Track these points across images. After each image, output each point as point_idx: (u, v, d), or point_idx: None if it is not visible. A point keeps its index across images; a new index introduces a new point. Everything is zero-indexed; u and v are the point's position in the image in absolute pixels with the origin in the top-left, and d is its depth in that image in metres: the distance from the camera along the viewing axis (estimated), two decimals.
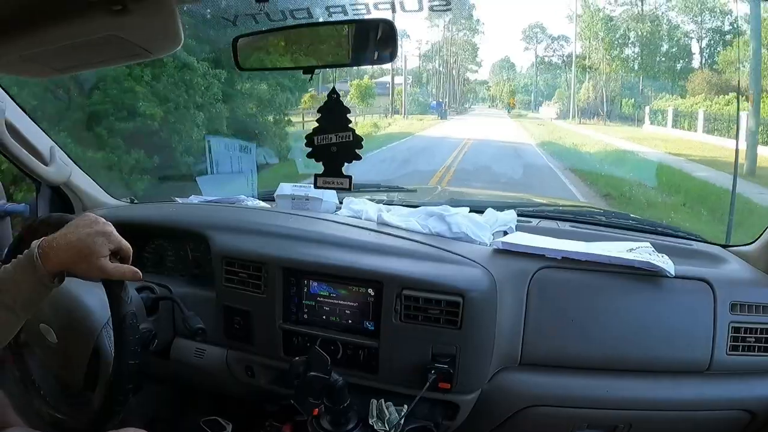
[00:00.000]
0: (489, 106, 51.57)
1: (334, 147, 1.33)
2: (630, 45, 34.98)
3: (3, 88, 1.80)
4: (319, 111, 1.34)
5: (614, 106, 32.77)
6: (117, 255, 1.31)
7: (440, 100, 46.35)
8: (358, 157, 1.33)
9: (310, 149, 1.35)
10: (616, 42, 34.84)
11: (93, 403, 1.51)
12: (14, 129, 1.85)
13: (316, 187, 1.37)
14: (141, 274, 1.32)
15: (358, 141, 1.32)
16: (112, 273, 1.27)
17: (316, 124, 1.34)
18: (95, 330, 1.54)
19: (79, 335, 1.54)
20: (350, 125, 1.33)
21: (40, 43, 1.31)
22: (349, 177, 1.33)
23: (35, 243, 1.24)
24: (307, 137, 1.35)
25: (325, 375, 1.40)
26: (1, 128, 1.72)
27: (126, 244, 1.32)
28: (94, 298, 1.59)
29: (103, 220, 1.31)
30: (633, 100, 31.51)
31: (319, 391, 1.41)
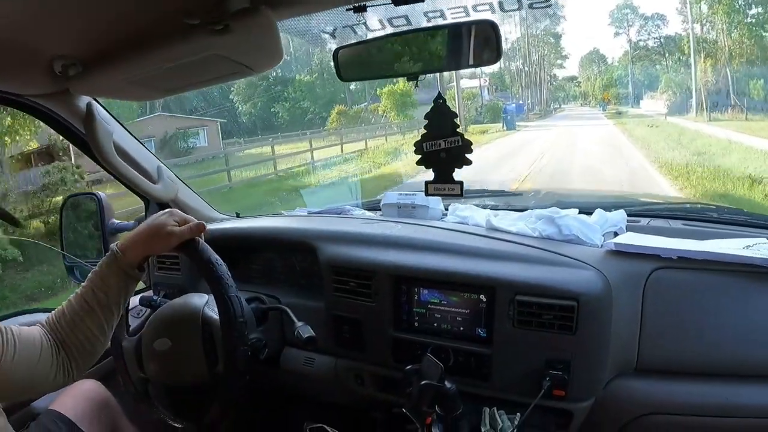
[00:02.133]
0: (581, 104, 45.84)
1: (443, 153, 1.34)
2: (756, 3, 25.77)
3: (110, 113, 1.89)
4: (426, 117, 1.35)
5: (744, 89, 23.94)
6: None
7: (520, 102, 40.35)
8: (468, 162, 1.33)
9: (419, 157, 1.36)
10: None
11: (219, 371, 1.60)
12: (122, 151, 1.95)
13: (427, 194, 1.38)
14: (205, 224, 1.48)
15: (467, 145, 1.33)
16: (183, 233, 1.44)
17: (425, 131, 1.35)
18: (198, 309, 1.65)
19: (188, 323, 1.63)
20: (458, 130, 1.33)
21: (145, 66, 1.38)
22: (460, 183, 1.34)
23: (113, 244, 1.40)
24: (415, 144, 1.36)
25: (439, 383, 1.38)
26: (110, 150, 1.80)
27: (191, 217, 1.48)
28: (190, 294, 1.75)
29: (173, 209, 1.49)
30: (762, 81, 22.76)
31: (432, 399, 1.40)
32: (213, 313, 1.60)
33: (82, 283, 1.38)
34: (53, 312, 1.36)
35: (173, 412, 1.70)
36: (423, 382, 1.37)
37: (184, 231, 1.43)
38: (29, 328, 1.29)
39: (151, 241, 1.41)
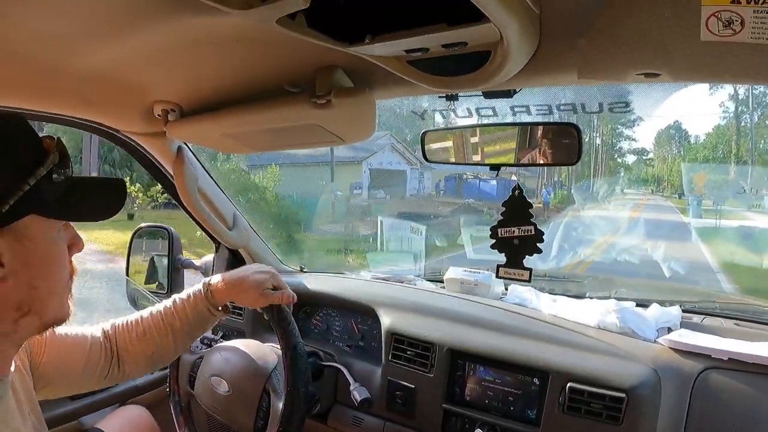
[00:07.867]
0: (652, 192, 32.26)
1: (516, 240, 1.40)
2: None
3: (197, 158, 1.99)
4: (503, 205, 1.42)
5: None
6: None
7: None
8: (540, 251, 1.39)
9: (493, 240, 1.43)
10: None
11: None
12: (204, 194, 2.03)
13: (497, 276, 1.44)
14: (296, 297, 1.53)
15: (539, 235, 1.39)
16: (272, 298, 1.50)
17: (501, 218, 1.42)
18: (266, 373, 1.68)
19: (251, 380, 1.68)
20: (532, 219, 1.40)
21: (243, 124, 1.47)
22: (530, 269, 1.40)
23: (206, 279, 1.49)
24: (491, 229, 1.43)
25: None
26: (194, 193, 1.90)
27: (289, 290, 1.53)
28: (263, 347, 1.77)
29: (273, 269, 1.55)
30: None
31: None
32: (278, 385, 1.63)
33: (160, 302, 1.49)
34: (121, 320, 1.46)
35: None
36: None
37: (276, 297, 1.50)
38: (82, 328, 1.39)
39: (244, 293, 1.48)
